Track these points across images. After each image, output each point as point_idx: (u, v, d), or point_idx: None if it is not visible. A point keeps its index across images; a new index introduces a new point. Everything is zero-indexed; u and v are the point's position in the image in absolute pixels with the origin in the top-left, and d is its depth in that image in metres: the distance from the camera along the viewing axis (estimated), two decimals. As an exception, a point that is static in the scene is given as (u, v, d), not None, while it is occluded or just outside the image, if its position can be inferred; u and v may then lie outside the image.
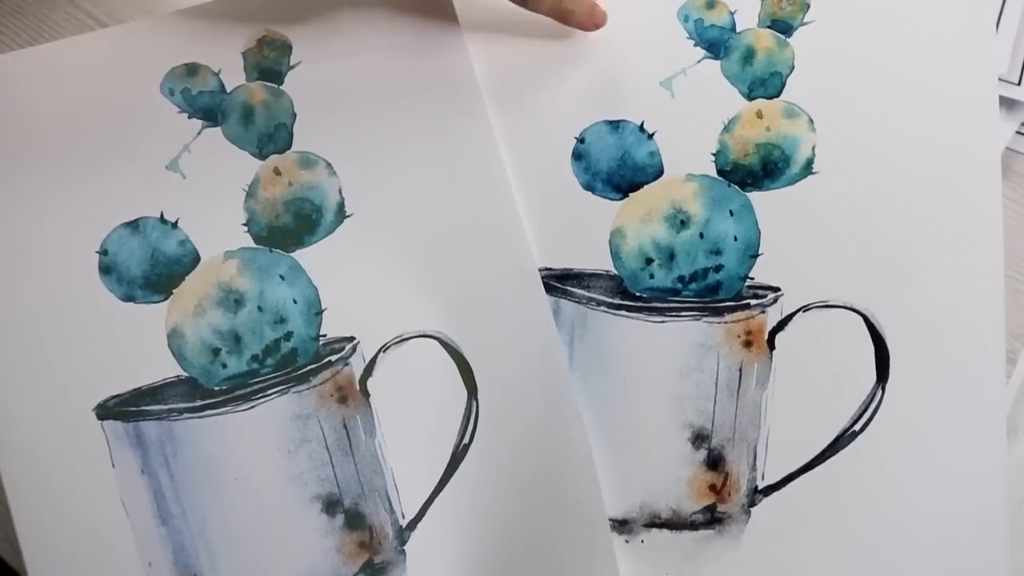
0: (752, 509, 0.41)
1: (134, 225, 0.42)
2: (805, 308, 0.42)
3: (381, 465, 0.42)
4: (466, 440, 0.42)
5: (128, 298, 0.41)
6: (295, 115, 0.43)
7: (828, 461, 0.41)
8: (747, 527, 0.41)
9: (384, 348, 0.42)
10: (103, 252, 0.42)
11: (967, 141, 0.42)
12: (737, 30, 0.43)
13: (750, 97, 0.43)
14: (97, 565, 0.40)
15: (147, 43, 0.44)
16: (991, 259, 0.41)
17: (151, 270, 0.42)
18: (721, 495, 0.42)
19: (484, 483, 0.41)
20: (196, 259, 0.42)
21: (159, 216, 0.42)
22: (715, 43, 0.44)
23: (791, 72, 0.43)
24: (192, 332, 0.41)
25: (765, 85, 0.43)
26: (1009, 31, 0.46)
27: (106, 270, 0.42)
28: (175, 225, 0.42)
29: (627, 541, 0.42)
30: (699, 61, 0.43)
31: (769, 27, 0.43)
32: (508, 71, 0.44)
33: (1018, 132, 0.46)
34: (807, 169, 0.42)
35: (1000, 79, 0.45)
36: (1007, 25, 0.46)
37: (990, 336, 0.41)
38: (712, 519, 0.42)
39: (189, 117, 0.43)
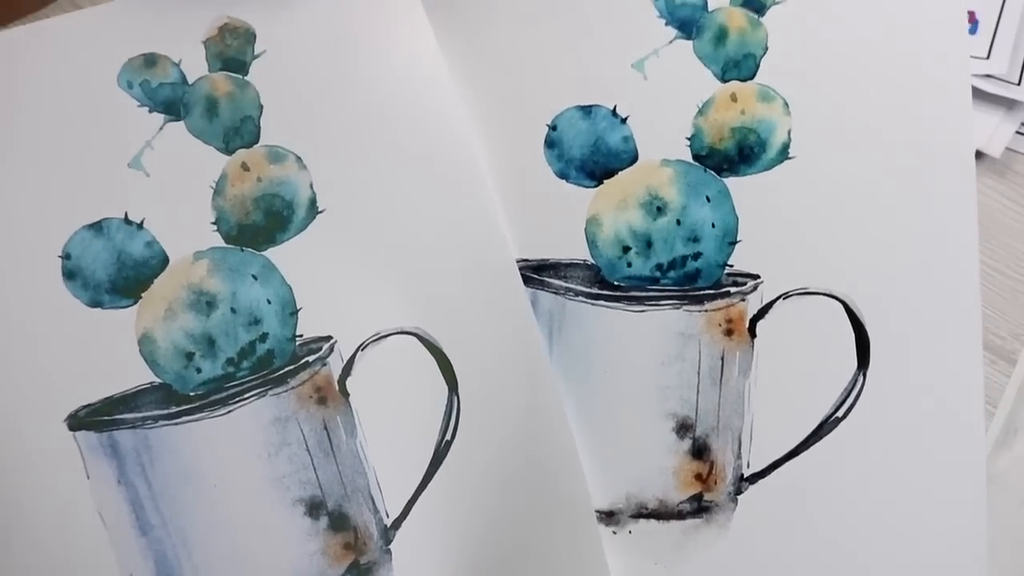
0: (739, 497, 0.42)
1: (97, 227, 0.40)
2: (785, 296, 0.42)
3: (363, 465, 0.41)
4: (448, 436, 0.41)
5: (95, 303, 0.40)
6: (262, 107, 0.42)
7: (812, 448, 0.41)
8: (734, 515, 0.42)
9: (362, 346, 0.41)
10: (66, 256, 0.40)
11: (942, 123, 0.42)
12: (709, 8, 0.43)
13: (724, 79, 0.42)
14: None
15: (100, 33, 0.42)
16: (965, 242, 0.41)
17: (117, 274, 0.40)
18: (707, 484, 0.42)
19: (468, 479, 0.41)
20: (164, 261, 0.41)
21: (123, 217, 0.41)
22: (687, 22, 0.43)
23: (765, 53, 0.42)
24: (164, 337, 0.40)
25: (739, 67, 0.42)
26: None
27: (70, 275, 0.40)
28: (141, 226, 0.41)
29: (615, 532, 0.42)
30: (671, 41, 0.43)
31: (742, 6, 0.43)
32: (477, 59, 0.43)
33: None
34: (783, 154, 0.42)
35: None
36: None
37: (966, 319, 0.41)
38: (699, 508, 0.42)
39: (150, 111, 0.41)
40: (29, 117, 0.41)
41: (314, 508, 0.41)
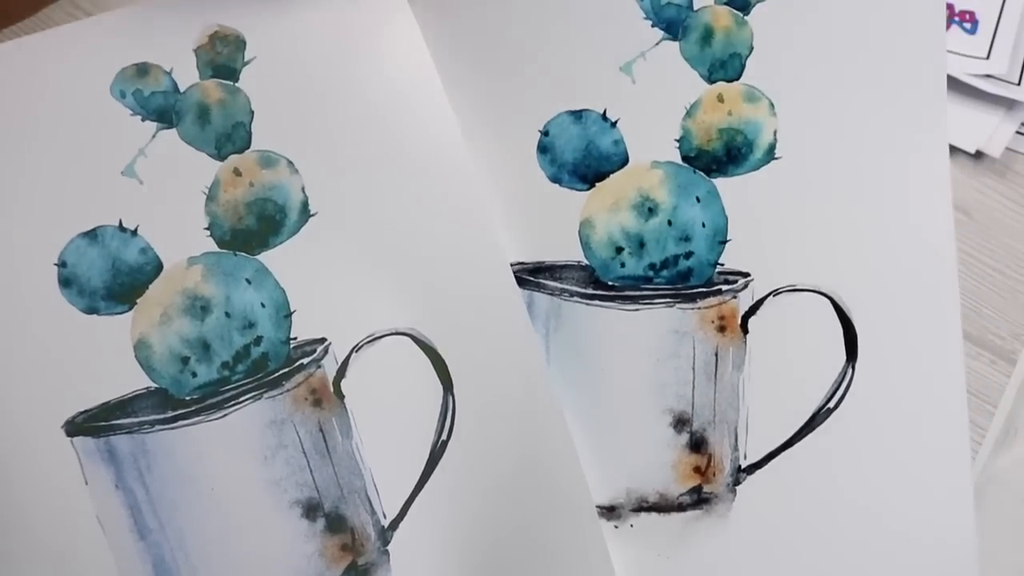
0: (737, 488, 0.42)
1: (92, 235, 0.41)
2: (775, 292, 0.42)
3: (359, 466, 0.41)
4: (444, 436, 0.41)
5: (91, 310, 0.40)
6: (253, 113, 0.42)
7: (806, 437, 0.42)
8: (733, 505, 0.42)
9: (356, 348, 0.41)
10: (61, 264, 0.40)
11: (917, 120, 0.42)
12: (694, 8, 0.43)
13: (711, 80, 0.43)
14: None
15: (93, 44, 0.42)
16: (942, 236, 0.42)
17: (113, 280, 0.40)
18: (706, 476, 0.42)
19: (465, 479, 0.41)
20: (159, 267, 0.41)
21: (118, 224, 0.41)
22: (673, 23, 0.43)
23: (750, 53, 0.43)
24: (159, 342, 0.40)
25: (725, 67, 0.43)
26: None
27: (66, 283, 0.40)
28: (135, 233, 0.41)
29: (616, 527, 0.42)
30: (657, 43, 0.43)
31: (726, 4, 0.43)
32: (468, 66, 0.43)
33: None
34: (770, 155, 0.42)
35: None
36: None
37: (945, 310, 0.42)
38: (699, 500, 0.42)
39: (143, 120, 0.42)
40: (24, 128, 0.41)
41: (311, 510, 0.40)
